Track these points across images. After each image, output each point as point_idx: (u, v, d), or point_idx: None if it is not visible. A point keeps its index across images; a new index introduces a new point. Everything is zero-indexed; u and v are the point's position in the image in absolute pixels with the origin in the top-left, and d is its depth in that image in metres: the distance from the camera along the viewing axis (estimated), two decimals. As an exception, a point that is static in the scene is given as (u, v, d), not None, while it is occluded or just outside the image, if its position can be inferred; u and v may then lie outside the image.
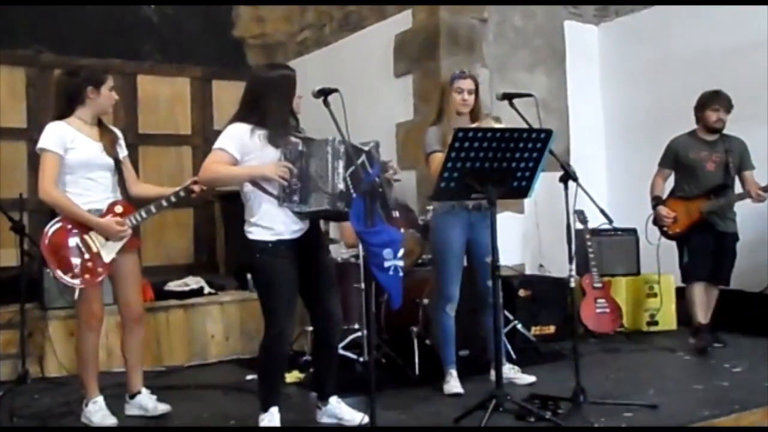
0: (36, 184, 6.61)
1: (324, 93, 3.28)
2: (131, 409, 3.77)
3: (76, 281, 3.50)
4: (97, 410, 3.63)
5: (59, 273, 3.49)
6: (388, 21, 6.43)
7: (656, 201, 5.11)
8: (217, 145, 3.36)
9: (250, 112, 3.37)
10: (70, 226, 3.53)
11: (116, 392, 3.91)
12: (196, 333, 5.28)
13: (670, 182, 5.21)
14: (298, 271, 3.37)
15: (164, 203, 3.68)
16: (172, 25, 7.49)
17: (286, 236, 3.32)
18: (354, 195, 3.17)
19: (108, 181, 3.64)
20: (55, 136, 3.51)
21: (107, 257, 3.56)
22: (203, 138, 7.57)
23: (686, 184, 5.05)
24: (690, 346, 4.91)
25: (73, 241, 3.52)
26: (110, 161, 3.62)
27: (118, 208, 3.62)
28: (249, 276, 5.65)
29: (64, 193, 3.53)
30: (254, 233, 3.35)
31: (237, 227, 6.63)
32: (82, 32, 6.96)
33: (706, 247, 4.94)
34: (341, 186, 3.18)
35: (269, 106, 3.33)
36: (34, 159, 6.76)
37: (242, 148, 3.31)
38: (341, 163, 3.20)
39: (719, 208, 4.94)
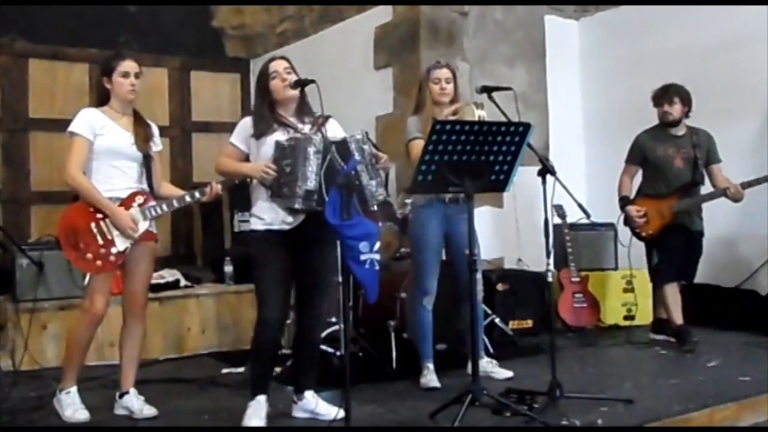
0: (11, 174, 6.64)
1: (300, 84, 3.26)
2: (118, 409, 3.70)
3: (89, 266, 3.48)
4: (70, 403, 3.58)
5: (73, 255, 3.47)
6: (368, 13, 6.40)
7: (624, 201, 5.00)
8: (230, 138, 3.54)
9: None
10: (90, 211, 3.49)
11: (88, 386, 3.86)
12: (172, 326, 5.21)
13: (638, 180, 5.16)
14: (291, 264, 3.40)
15: (188, 198, 3.63)
16: (150, 15, 7.40)
17: (275, 227, 3.37)
18: (326, 194, 3.15)
19: (133, 172, 3.59)
20: (85, 121, 3.51)
21: (121, 246, 3.51)
22: (181, 129, 7.52)
23: (655, 181, 4.95)
24: (674, 346, 4.86)
25: (91, 225, 3.48)
26: (137, 152, 3.58)
27: (139, 198, 3.58)
28: (226, 269, 5.62)
29: (87, 178, 3.50)
30: (250, 223, 3.48)
31: (215, 220, 6.58)
32: (58, 21, 6.86)
33: (677, 248, 4.86)
34: (311, 185, 3.17)
35: (253, 101, 3.52)
36: (8, 149, 6.73)
37: (246, 140, 3.45)
38: (315, 162, 3.19)
39: (691, 207, 4.86)
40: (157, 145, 3.75)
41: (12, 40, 6.73)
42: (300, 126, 3.43)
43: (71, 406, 3.57)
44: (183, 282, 5.54)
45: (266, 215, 3.39)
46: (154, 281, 5.34)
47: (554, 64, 6.61)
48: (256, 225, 3.44)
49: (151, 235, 3.64)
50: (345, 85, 6.29)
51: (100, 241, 3.48)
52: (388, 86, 6.15)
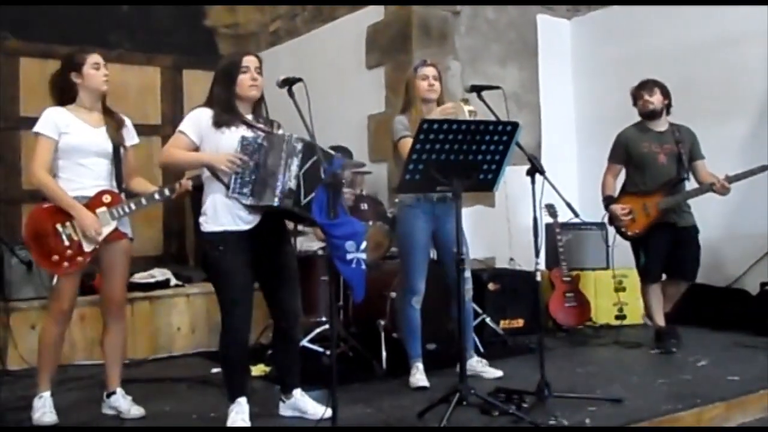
0: (1, 173, 6.62)
1: (288, 83, 3.23)
2: (106, 408, 3.67)
3: (55, 268, 3.43)
4: (39, 407, 3.51)
5: (39, 257, 3.43)
6: (361, 12, 6.39)
7: (608, 201, 4.93)
8: (178, 128, 3.38)
9: (209, 100, 3.41)
10: (57, 211, 3.43)
11: (76, 385, 3.85)
12: (162, 325, 5.20)
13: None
14: (253, 265, 3.32)
15: (157, 196, 3.54)
16: (142, 13, 7.38)
17: (232, 228, 3.25)
18: (303, 195, 3.11)
19: (101, 169, 3.52)
20: (50, 120, 3.47)
21: (88, 247, 3.45)
22: (173, 128, 7.40)
23: (639, 178, 4.89)
24: (654, 347, 4.85)
25: (57, 227, 3.42)
26: (107, 148, 3.52)
27: (106, 198, 3.50)
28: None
29: (52, 178, 3.45)
30: (203, 224, 3.32)
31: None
32: (49, 19, 6.83)
33: (662, 248, 4.80)
34: (291, 184, 3.12)
35: (215, 92, 3.38)
36: (-2, 147, 6.71)
37: (200, 132, 3.33)
38: (295, 161, 3.14)
39: (676, 204, 4.81)
40: (133, 138, 3.69)
41: (3, 39, 6.70)
42: (259, 126, 3.36)
43: (40, 410, 3.50)
44: (173, 281, 5.52)
45: (220, 216, 3.26)
46: (144, 280, 5.37)
47: (546, 63, 6.61)
48: (209, 227, 3.28)
49: (120, 235, 3.55)
50: (337, 84, 6.29)
51: (66, 243, 3.42)
52: (380, 85, 6.14)
